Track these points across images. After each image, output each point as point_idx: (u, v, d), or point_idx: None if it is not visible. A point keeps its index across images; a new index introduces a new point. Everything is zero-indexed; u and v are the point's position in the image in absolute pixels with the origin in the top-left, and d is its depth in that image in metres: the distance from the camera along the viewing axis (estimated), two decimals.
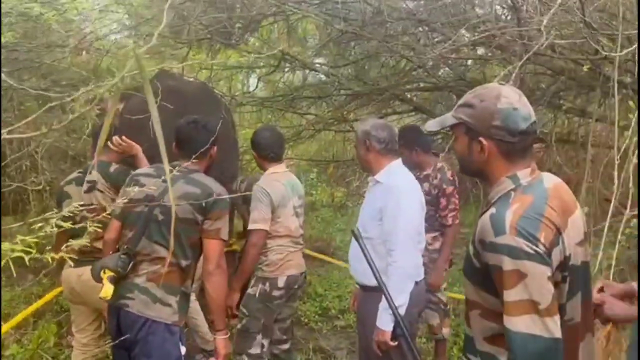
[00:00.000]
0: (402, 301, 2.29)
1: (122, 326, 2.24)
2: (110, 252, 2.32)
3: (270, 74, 6.42)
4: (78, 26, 3.16)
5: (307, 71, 6.27)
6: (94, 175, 2.83)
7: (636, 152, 2.69)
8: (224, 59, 6.21)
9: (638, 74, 2.52)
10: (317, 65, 6.17)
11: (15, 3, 3.02)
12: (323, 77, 5.84)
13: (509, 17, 4.29)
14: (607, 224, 3.00)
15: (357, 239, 1.92)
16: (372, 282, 2.35)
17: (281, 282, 2.86)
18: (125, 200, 1.94)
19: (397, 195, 2.35)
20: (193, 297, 3.37)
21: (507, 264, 1.23)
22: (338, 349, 3.98)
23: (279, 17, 5.46)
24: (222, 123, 4.34)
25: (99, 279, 2.20)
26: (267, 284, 2.86)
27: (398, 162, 2.52)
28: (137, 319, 2.20)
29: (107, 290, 2.16)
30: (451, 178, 3.42)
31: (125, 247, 2.25)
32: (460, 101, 1.45)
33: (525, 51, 2.82)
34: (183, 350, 2.30)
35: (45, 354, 3.40)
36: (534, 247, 1.23)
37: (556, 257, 1.27)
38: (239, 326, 2.92)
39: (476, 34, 3.76)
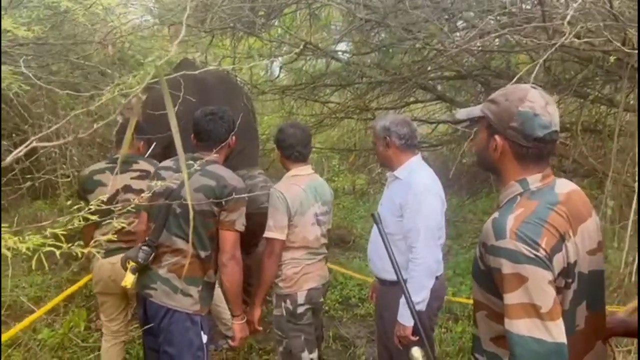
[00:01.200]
0: (423, 297, 2.30)
1: (148, 314, 2.34)
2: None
3: (293, 62, 6.41)
4: (104, 19, 3.22)
5: (330, 59, 6.25)
6: (142, 164, 2.98)
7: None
8: (246, 48, 6.24)
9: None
10: (340, 53, 6.15)
11: None
12: (345, 64, 5.82)
13: (535, 3, 4.19)
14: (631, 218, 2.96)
15: (376, 223, 1.91)
16: (392, 276, 2.32)
17: (301, 298, 2.66)
18: (150, 194, 2.00)
19: (417, 191, 2.34)
20: (216, 284, 3.44)
21: (507, 267, 1.25)
22: (358, 337, 4.03)
23: (301, 5, 5.45)
24: (243, 112, 4.38)
25: (125, 269, 2.31)
26: (288, 301, 2.66)
27: (417, 157, 2.50)
28: (159, 309, 2.30)
29: (127, 279, 2.28)
30: None
31: (148, 239, 2.34)
32: (491, 95, 1.47)
33: (550, 42, 2.76)
34: (205, 338, 2.38)
35: (75, 338, 3.53)
36: (535, 251, 1.24)
37: (558, 263, 1.27)
38: (280, 349, 2.76)
39: (500, 21, 3.70)
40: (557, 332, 1.21)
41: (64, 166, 6.06)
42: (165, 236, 2.32)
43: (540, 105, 1.35)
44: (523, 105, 1.35)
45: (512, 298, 1.23)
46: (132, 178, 2.95)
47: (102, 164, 3.05)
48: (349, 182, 8.63)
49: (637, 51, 2.31)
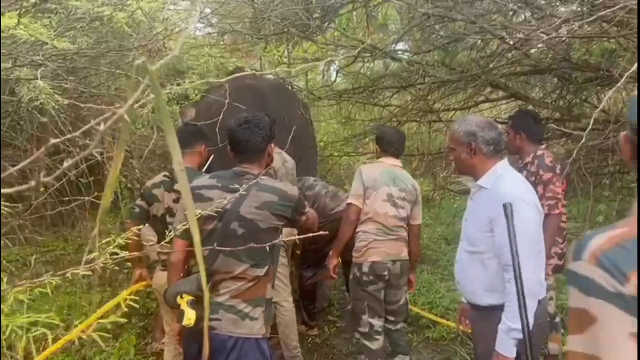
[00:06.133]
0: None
1: (210, 351, 2.06)
2: (181, 275, 2.15)
3: (350, 66, 6.12)
4: (147, 27, 3.05)
5: (389, 60, 5.90)
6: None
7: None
8: (301, 53, 6.01)
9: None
10: (400, 52, 5.78)
11: (90, 7, 2.96)
12: (406, 65, 5.44)
13: None
14: None
15: (507, 218, 1.61)
16: (485, 301, 2.14)
17: (365, 268, 3.04)
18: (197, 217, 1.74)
19: (508, 200, 2.00)
20: (291, 306, 3.32)
21: (574, 299, 0.89)
22: None
23: (358, 4, 5.15)
24: (300, 121, 4.18)
25: (175, 305, 2.05)
26: (356, 269, 3.10)
27: (504, 162, 2.16)
28: (227, 340, 2.05)
29: (190, 316, 2.00)
30: (550, 164, 3.12)
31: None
32: None
33: None
34: None
35: None
36: (618, 285, 0.84)
37: None
38: (349, 307, 3.35)
39: (585, 8, 3.23)
40: None
41: (124, 180, 6.07)
42: (224, 261, 2.07)
43: None
44: None
45: (572, 342, 0.88)
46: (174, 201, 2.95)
47: (160, 177, 3.07)
48: None
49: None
